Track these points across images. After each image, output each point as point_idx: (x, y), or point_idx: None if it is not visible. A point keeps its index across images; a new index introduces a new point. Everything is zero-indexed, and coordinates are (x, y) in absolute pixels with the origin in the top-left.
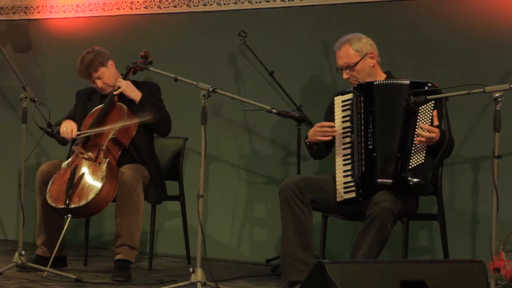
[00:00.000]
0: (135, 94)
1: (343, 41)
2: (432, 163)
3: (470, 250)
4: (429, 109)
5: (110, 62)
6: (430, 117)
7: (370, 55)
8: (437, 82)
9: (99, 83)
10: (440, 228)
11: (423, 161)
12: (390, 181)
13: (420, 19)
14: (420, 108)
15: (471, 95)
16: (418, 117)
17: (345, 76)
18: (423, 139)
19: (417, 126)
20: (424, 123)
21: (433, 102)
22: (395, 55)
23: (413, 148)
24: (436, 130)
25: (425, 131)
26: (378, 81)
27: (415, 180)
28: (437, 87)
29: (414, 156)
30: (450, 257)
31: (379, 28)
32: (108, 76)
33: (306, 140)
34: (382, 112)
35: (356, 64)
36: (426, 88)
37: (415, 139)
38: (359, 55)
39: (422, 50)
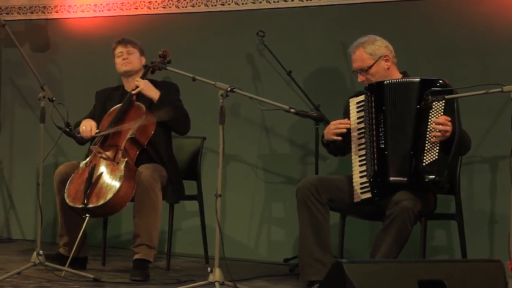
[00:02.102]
0: (154, 93)
1: (357, 44)
2: (447, 160)
3: (488, 250)
4: (441, 105)
5: (143, 58)
6: (442, 114)
7: (385, 58)
8: (455, 81)
9: (124, 55)
10: (458, 228)
11: (437, 157)
12: (405, 179)
13: (438, 19)
14: (433, 104)
15: (489, 94)
16: (430, 114)
17: (360, 79)
18: (438, 133)
19: (429, 122)
20: (435, 119)
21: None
22: (413, 55)
23: (427, 145)
24: (449, 123)
25: (439, 126)
26: (388, 80)
27: (430, 177)
28: (447, 83)
29: (428, 153)
30: (468, 257)
31: (397, 28)
32: (135, 59)
33: (323, 139)
34: (393, 111)
35: (370, 67)
36: (437, 84)
37: (428, 135)
38: (372, 58)
39: (440, 50)
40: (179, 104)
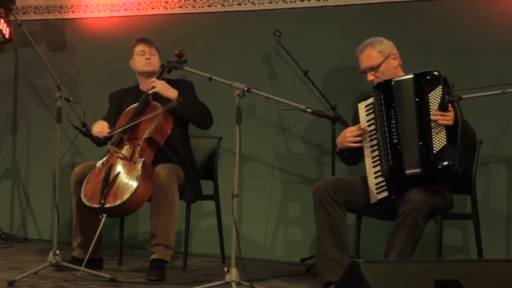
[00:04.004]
0: (171, 93)
1: (365, 45)
2: (456, 146)
3: (505, 250)
4: (438, 95)
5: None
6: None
7: (393, 56)
8: (471, 81)
9: (147, 55)
10: (474, 228)
11: (445, 143)
12: (419, 170)
13: (454, 19)
14: (430, 94)
15: (505, 94)
16: (430, 103)
17: (370, 78)
18: (438, 118)
19: (431, 112)
20: (435, 108)
21: (441, 87)
22: (428, 55)
23: (432, 132)
24: (450, 113)
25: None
26: (395, 77)
27: (444, 163)
28: (441, 73)
29: (436, 140)
30: (484, 257)
31: (413, 27)
32: (156, 61)
33: (336, 149)
34: (400, 106)
35: (379, 65)
36: (431, 76)
37: (432, 124)
38: (382, 56)
39: (456, 49)
40: (197, 99)
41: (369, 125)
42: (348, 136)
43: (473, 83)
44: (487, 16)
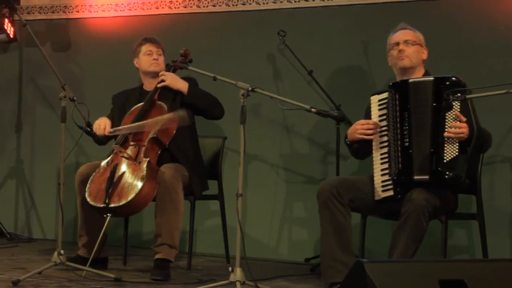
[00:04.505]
0: (182, 85)
1: (407, 26)
2: (467, 156)
3: (510, 250)
4: (457, 105)
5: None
6: (457, 110)
7: (424, 50)
8: (476, 81)
9: (155, 55)
10: (479, 228)
11: (457, 153)
12: (427, 177)
13: (458, 18)
14: (453, 104)
15: (510, 94)
16: (447, 112)
17: (401, 47)
18: (451, 134)
19: (446, 120)
20: (451, 117)
21: (458, 95)
22: (433, 54)
23: (446, 142)
24: (464, 125)
25: (455, 128)
26: (412, 78)
27: (451, 174)
28: (461, 80)
29: (448, 150)
30: (489, 257)
31: (418, 27)
32: (162, 62)
33: (346, 139)
34: (415, 109)
35: (414, 44)
36: (450, 82)
37: (446, 132)
38: (419, 41)
39: (462, 49)
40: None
41: (380, 120)
42: (358, 129)
43: (477, 83)
44: (492, 15)
